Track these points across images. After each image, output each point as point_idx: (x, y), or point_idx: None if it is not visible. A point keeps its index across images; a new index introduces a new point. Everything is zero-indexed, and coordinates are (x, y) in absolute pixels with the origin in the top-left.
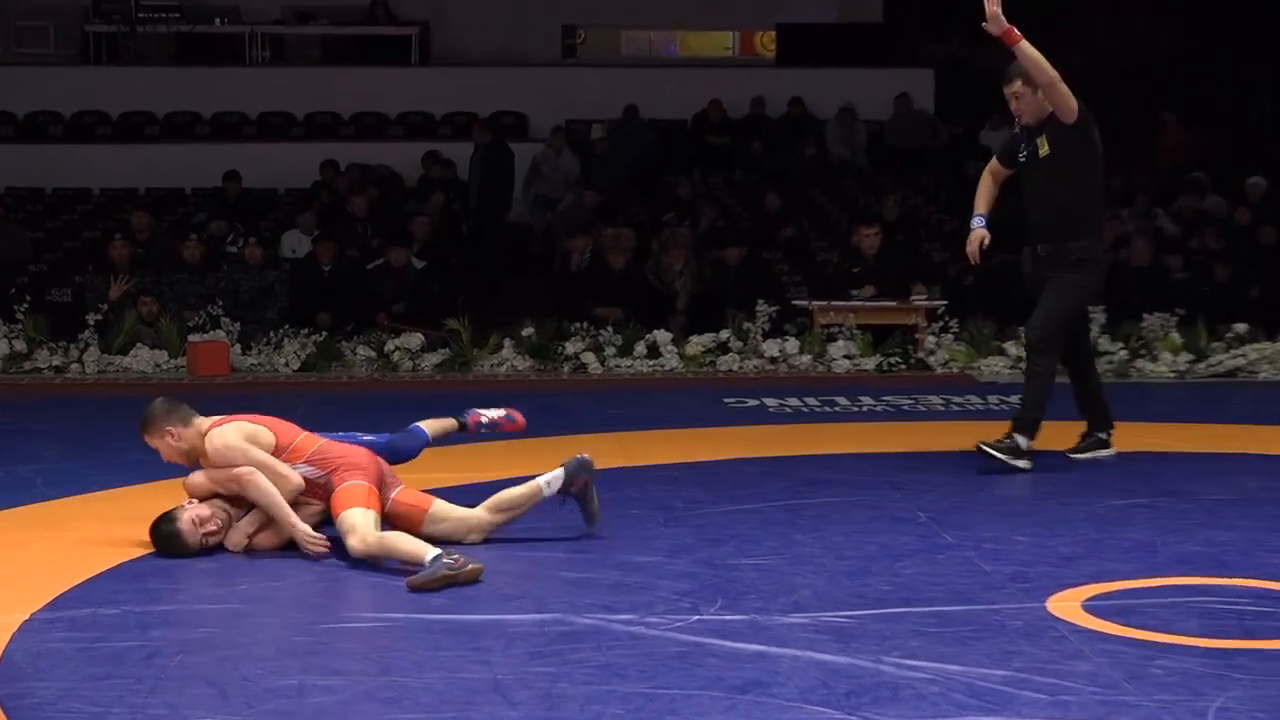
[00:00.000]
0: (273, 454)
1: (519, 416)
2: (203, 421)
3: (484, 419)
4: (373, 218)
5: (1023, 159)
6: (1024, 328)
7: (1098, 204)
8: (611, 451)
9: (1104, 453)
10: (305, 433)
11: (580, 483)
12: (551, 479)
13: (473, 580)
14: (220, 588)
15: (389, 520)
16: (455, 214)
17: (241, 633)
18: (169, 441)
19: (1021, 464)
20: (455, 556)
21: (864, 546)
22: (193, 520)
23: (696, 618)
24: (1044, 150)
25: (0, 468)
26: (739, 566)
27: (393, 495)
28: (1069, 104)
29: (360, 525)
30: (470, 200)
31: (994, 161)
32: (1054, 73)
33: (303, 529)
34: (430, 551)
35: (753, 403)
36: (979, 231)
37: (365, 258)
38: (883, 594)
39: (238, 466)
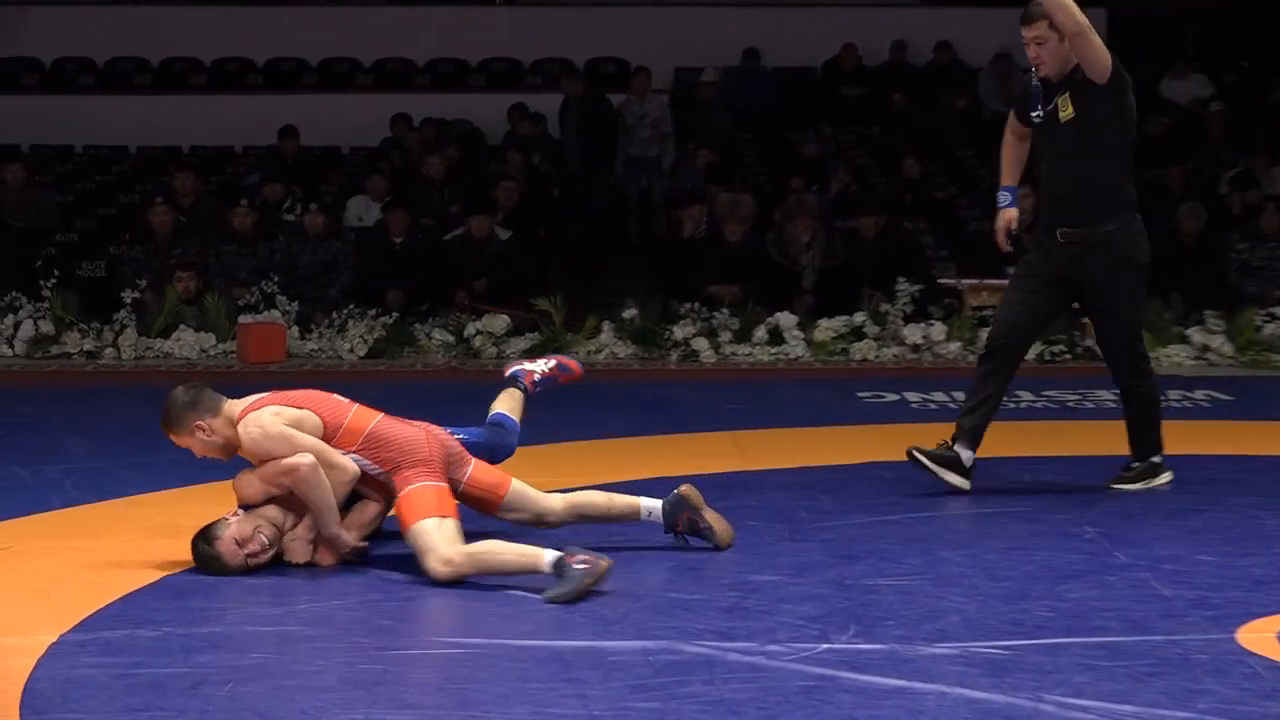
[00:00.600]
0: (321, 437)
1: (573, 364)
2: (234, 406)
3: (536, 376)
4: (451, 181)
5: (1037, 119)
6: (1106, 364)
7: (1130, 179)
8: (727, 453)
9: (956, 480)
10: (355, 407)
11: (685, 520)
12: (654, 509)
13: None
14: (275, 607)
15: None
16: (545, 176)
17: (299, 659)
18: (200, 437)
19: (1161, 480)
20: (584, 556)
21: (1022, 566)
22: (234, 540)
23: (825, 647)
24: (1066, 112)
25: (24, 467)
26: (875, 588)
27: (464, 479)
28: (1101, 60)
29: (440, 542)
30: (564, 161)
31: (1012, 119)
32: (1084, 20)
33: (345, 539)
34: (546, 555)
35: (891, 397)
36: (1008, 212)
37: (442, 227)
38: (1044, 621)
39: (284, 458)
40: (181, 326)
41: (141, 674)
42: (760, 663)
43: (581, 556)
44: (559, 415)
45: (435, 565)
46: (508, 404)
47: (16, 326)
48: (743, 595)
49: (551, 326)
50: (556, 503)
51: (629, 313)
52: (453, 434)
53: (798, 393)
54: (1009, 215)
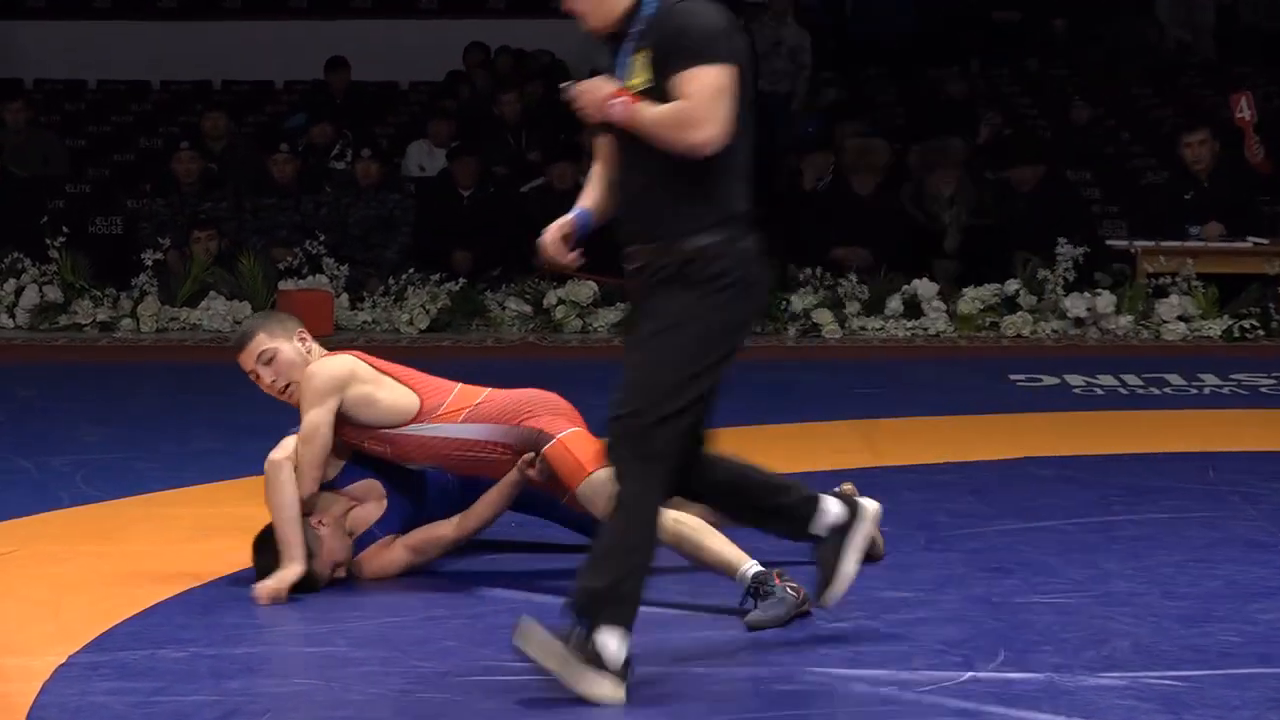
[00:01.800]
0: (416, 417)
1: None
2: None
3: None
4: (529, 123)
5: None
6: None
7: (735, 185)
8: (854, 446)
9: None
10: (460, 386)
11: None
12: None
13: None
14: (320, 624)
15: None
16: None
17: (349, 685)
18: (296, 347)
19: (604, 691)
20: (794, 585)
21: (1203, 582)
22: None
23: (969, 675)
24: (637, 80)
25: (28, 458)
26: (1029, 606)
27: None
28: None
29: None
30: None
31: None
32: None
33: (292, 574)
34: (749, 564)
35: (1050, 380)
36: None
37: (518, 177)
38: (1229, 647)
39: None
40: (211, 294)
41: (164, 702)
42: (892, 694)
43: (790, 584)
44: None
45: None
46: None
47: (19, 293)
48: (871, 615)
49: None
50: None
51: None
52: None
53: (938, 374)
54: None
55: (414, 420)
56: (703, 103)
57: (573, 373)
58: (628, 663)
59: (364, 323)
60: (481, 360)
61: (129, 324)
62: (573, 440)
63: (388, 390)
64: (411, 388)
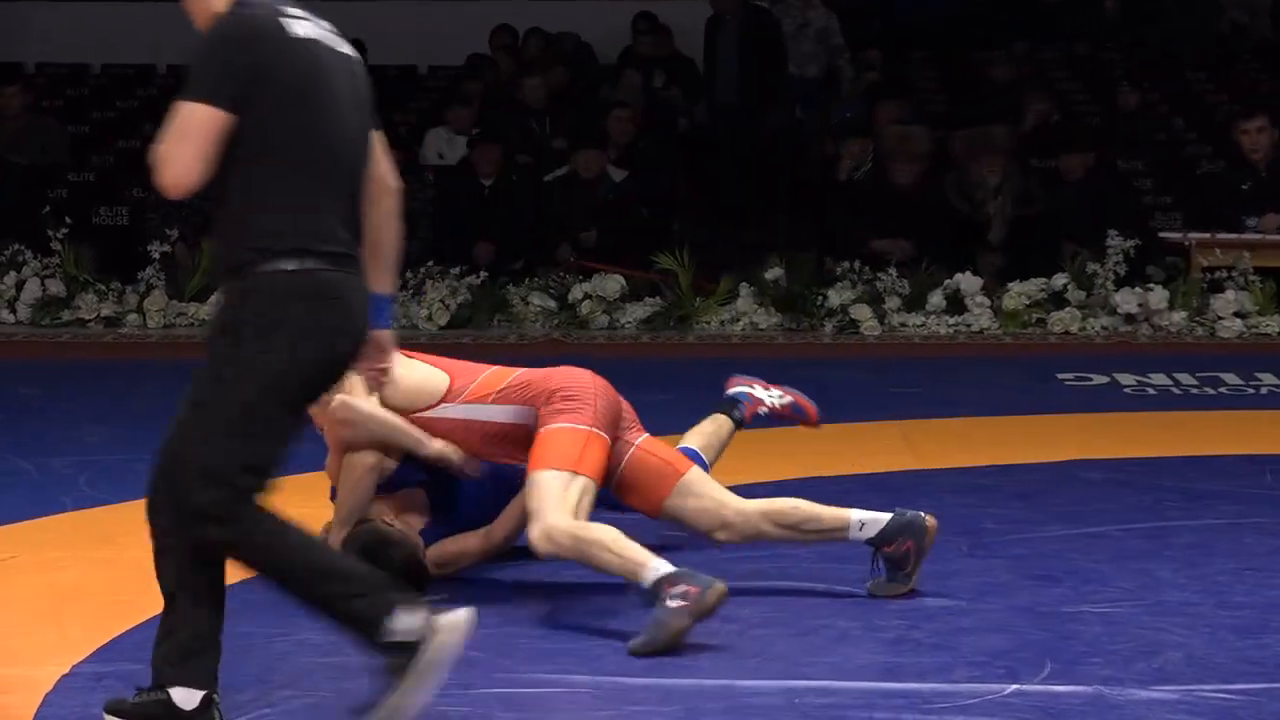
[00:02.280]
0: (445, 397)
1: (810, 406)
2: None
3: (763, 409)
4: (555, 109)
5: None
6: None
7: (280, 217)
8: (895, 448)
9: None
10: (494, 367)
11: (903, 548)
12: (869, 521)
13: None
14: (335, 633)
15: (623, 480)
16: (672, 104)
17: (364, 696)
18: None
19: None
20: (685, 587)
21: (1261, 591)
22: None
23: (1014, 688)
24: None
25: (28, 459)
26: (1077, 616)
27: (636, 441)
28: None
29: (553, 507)
30: (697, 85)
31: None
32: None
33: (438, 445)
34: (651, 567)
35: (1100, 380)
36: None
37: (542, 166)
38: None
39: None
40: None
41: None
42: (933, 708)
43: (683, 587)
44: (687, 398)
45: (534, 535)
46: (706, 436)
47: (20, 287)
48: (912, 624)
49: (676, 290)
50: (753, 508)
51: (773, 273)
52: None
53: (982, 373)
54: None
55: (443, 400)
56: (166, 142)
57: (598, 370)
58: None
59: None
60: (504, 357)
61: (135, 319)
62: (548, 435)
63: (413, 369)
64: (439, 368)
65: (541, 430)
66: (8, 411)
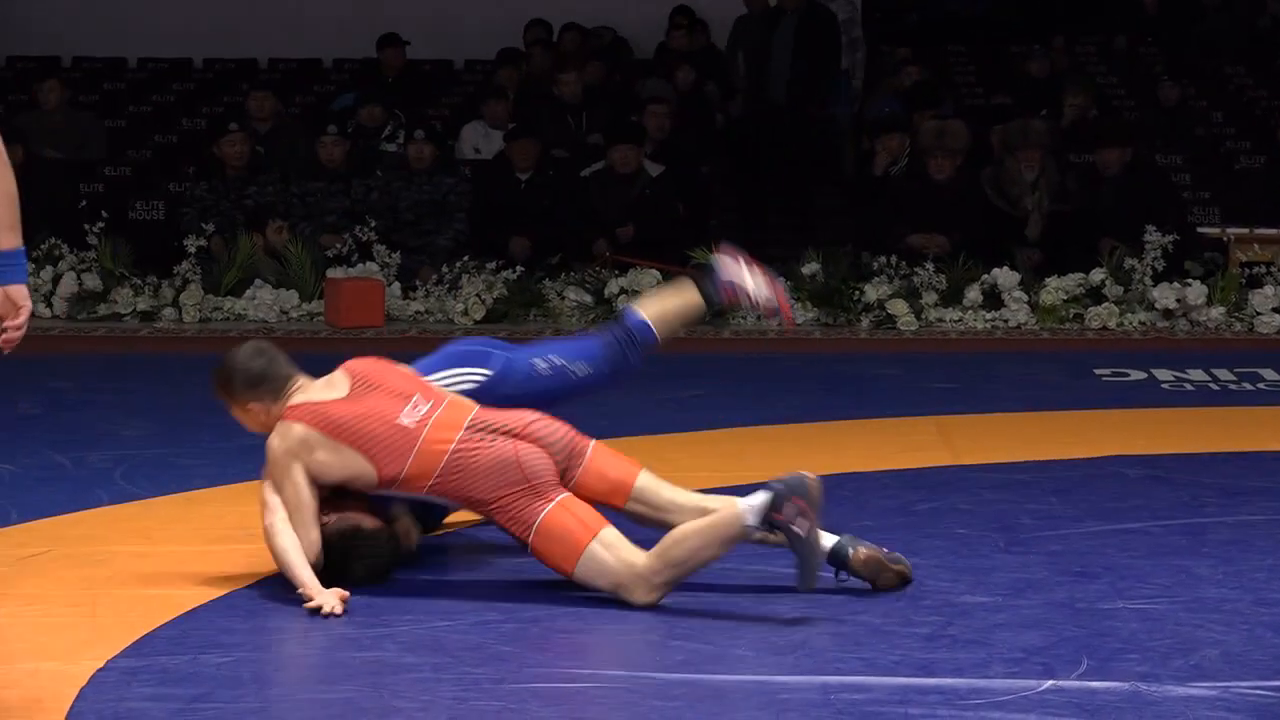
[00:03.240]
0: (380, 486)
1: (787, 307)
2: (296, 390)
3: (742, 296)
4: (590, 104)
5: None
6: None
7: None
8: (931, 444)
9: None
10: (426, 428)
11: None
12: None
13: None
14: (370, 628)
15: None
16: (708, 98)
17: (399, 692)
18: (255, 417)
19: None
20: (790, 502)
21: None
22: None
23: (1050, 684)
24: None
25: (65, 454)
26: (1114, 612)
27: (577, 474)
28: None
29: (622, 569)
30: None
31: None
32: None
33: (323, 599)
34: (745, 516)
35: (1137, 375)
36: None
37: (579, 160)
38: None
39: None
40: (257, 282)
41: (206, 709)
42: (968, 704)
43: (790, 507)
44: (721, 393)
45: (641, 597)
46: (665, 304)
47: (56, 281)
48: (948, 620)
49: None
50: (686, 502)
51: (809, 268)
52: (522, 357)
53: (1019, 369)
54: None
55: (379, 487)
56: None
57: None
58: None
59: (416, 313)
60: None
61: (171, 313)
62: (546, 531)
63: (340, 461)
64: (366, 456)
65: (535, 529)
66: (45, 406)
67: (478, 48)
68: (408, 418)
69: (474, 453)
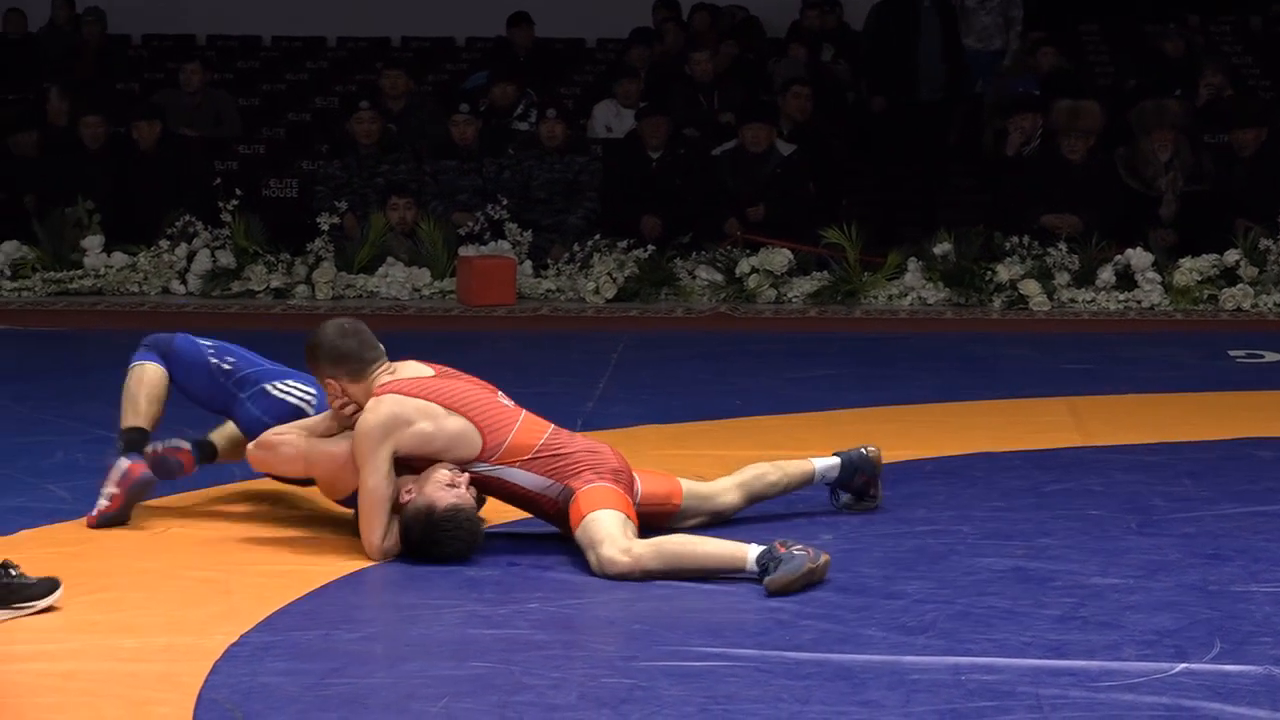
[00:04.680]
0: (479, 457)
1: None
2: (381, 374)
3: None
4: (723, 83)
5: None
6: None
7: None
8: (1063, 424)
9: None
10: (523, 415)
11: (859, 484)
12: (827, 468)
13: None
14: (501, 605)
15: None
16: (840, 79)
17: (530, 669)
18: (330, 389)
19: None
20: (799, 546)
21: None
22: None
23: (1183, 668)
24: None
25: (199, 430)
26: (1248, 595)
27: (636, 498)
28: None
29: (617, 532)
30: (866, 59)
31: None
32: None
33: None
34: (750, 550)
35: (1272, 356)
36: None
37: (710, 139)
38: None
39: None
40: (389, 260)
41: (338, 684)
42: (1100, 686)
43: (798, 546)
44: (851, 373)
45: (611, 553)
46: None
47: (190, 258)
48: (1079, 601)
49: (844, 264)
50: (730, 491)
51: (941, 248)
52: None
53: (1152, 350)
54: None
55: (476, 460)
56: None
57: (765, 344)
58: None
59: (547, 291)
60: (669, 331)
61: (303, 290)
62: (588, 493)
63: (443, 430)
64: (475, 424)
65: (584, 489)
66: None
67: (609, 26)
68: (505, 400)
69: (569, 441)
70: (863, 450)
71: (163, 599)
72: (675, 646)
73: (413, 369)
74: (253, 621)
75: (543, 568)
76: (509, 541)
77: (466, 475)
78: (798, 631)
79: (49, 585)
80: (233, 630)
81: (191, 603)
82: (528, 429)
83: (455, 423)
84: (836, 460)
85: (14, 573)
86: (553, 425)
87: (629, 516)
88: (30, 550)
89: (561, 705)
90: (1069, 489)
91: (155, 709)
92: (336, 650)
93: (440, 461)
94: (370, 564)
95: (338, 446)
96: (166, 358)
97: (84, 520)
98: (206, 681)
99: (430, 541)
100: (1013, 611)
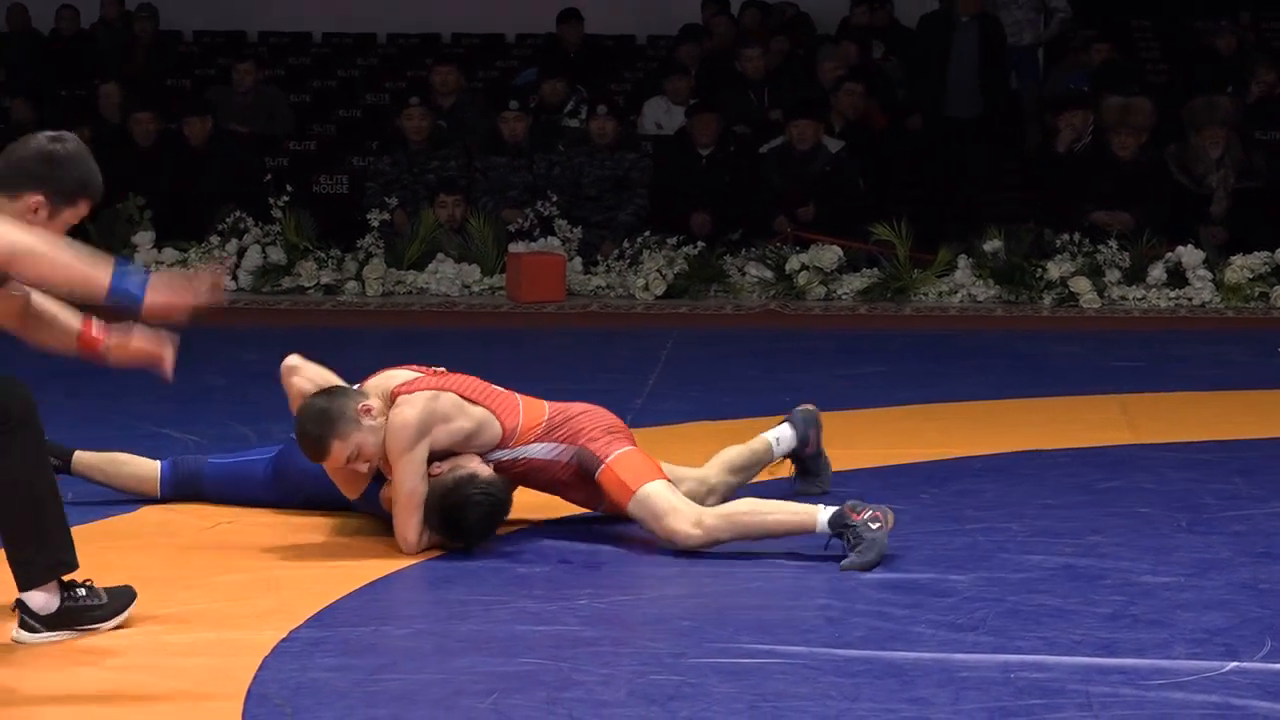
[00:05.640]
0: (500, 444)
1: None
2: (379, 386)
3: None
4: (773, 80)
5: None
6: None
7: None
8: (1113, 421)
9: None
10: (522, 399)
11: (814, 439)
12: (781, 436)
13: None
14: (550, 602)
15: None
16: (889, 76)
17: (579, 665)
18: (367, 424)
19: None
20: (867, 508)
21: None
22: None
23: (1233, 666)
24: None
25: (249, 425)
26: None
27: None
28: None
29: (681, 502)
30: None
31: None
32: None
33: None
34: (820, 511)
35: None
36: None
37: (760, 136)
38: None
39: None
40: (439, 256)
41: (388, 680)
42: (1150, 684)
43: (869, 511)
44: (901, 370)
45: (683, 527)
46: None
47: (241, 254)
48: (1129, 599)
49: (893, 261)
50: (711, 471)
51: (991, 245)
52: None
53: (1204, 348)
54: None
55: (499, 446)
56: None
57: (815, 341)
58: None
59: (597, 288)
60: (719, 329)
61: (354, 287)
62: (619, 461)
63: (474, 422)
64: (493, 412)
65: (610, 459)
66: (229, 378)
67: (659, 23)
68: (498, 387)
69: (567, 407)
70: (801, 409)
71: (213, 594)
72: (724, 643)
73: (398, 374)
74: (303, 617)
75: (593, 565)
76: (559, 538)
77: (500, 453)
78: (847, 629)
79: (119, 604)
80: (283, 626)
81: (241, 598)
82: (530, 407)
83: (478, 412)
84: (787, 428)
85: (82, 593)
86: (546, 402)
87: (663, 474)
88: (78, 547)
89: (610, 701)
90: (1119, 487)
91: (205, 704)
92: (386, 646)
93: (462, 455)
94: (418, 560)
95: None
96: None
97: (131, 515)
98: (256, 677)
99: (460, 506)
100: (1063, 609)
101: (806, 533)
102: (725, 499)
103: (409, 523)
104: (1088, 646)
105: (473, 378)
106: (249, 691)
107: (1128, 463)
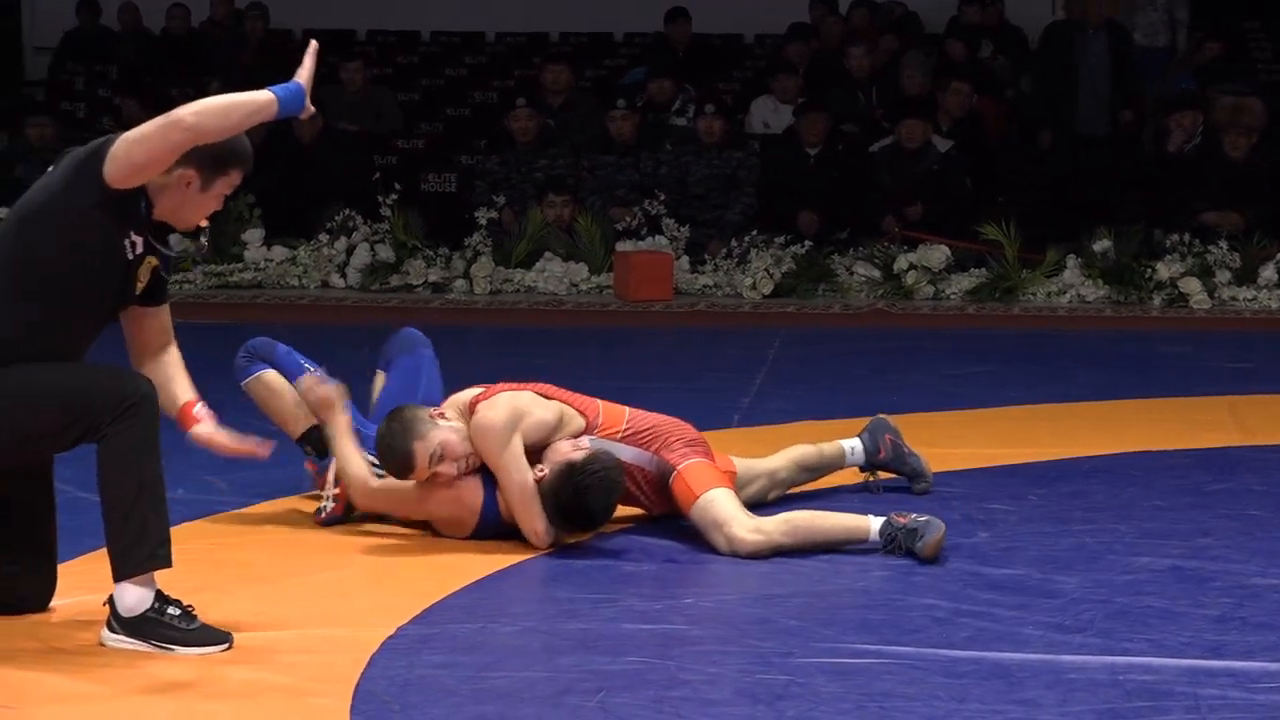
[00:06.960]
0: (584, 432)
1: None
2: (452, 403)
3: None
4: (879, 79)
5: None
6: None
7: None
8: (1221, 422)
9: None
10: (600, 401)
11: (887, 443)
12: (855, 446)
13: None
14: (657, 600)
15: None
16: (998, 75)
17: (685, 664)
18: (450, 439)
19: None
20: (910, 514)
21: None
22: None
23: None
24: None
25: (358, 422)
26: None
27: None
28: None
29: (741, 510)
30: (1028, 54)
31: None
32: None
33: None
34: (871, 520)
35: None
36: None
37: (868, 135)
38: None
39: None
40: (547, 255)
41: (495, 678)
42: (1259, 687)
43: (913, 515)
44: (1008, 371)
45: (742, 533)
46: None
47: (350, 252)
48: (1239, 602)
49: (1002, 261)
50: (777, 461)
51: (1100, 245)
52: None
53: None
54: None
55: (582, 434)
56: None
57: (923, 341)
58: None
59: (704, 286)
60: (827, 328)
61: (462, 285)
62: (689, 469)
63: (555, 414)
64: (571, 405)
65: (683, 466)
66: (339, 375)
67: (767, 22)
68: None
69: (648, 415)
70: (875, 420)
71: (320, 592)
72: (831, 643)
73: (473, 389)
74: (410, 614)
75: (699, 563)
76: (666, 537)
77: (586, 438)
78: (954, 629)
79: (204, 637)
80: (390, 623)
81: (349, 595)
82: (610, 410)
83: (556, 405)
84: (856, 440)
85: (175, 612)
86: (628, 409)
87: (730, 484)
88: (186, 543)
89: (717, 700)
90: (1229, 488)
91: (313, 700)
92: (493, 644)
93: (550, 449)
94: (526, 557)
95: (452, 489)
96: (270, 362)
97: (240, 512)
98: (364, 674)
99: (576, 494)
100: (1171, 611)
101: (860, 540)
102: (787, 490)
103: (532, 513)
104: (1196, 649)
105: (547, 385)
106: (357, 688)
107: (1238, 464)
